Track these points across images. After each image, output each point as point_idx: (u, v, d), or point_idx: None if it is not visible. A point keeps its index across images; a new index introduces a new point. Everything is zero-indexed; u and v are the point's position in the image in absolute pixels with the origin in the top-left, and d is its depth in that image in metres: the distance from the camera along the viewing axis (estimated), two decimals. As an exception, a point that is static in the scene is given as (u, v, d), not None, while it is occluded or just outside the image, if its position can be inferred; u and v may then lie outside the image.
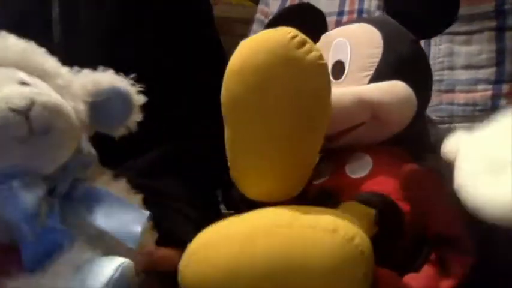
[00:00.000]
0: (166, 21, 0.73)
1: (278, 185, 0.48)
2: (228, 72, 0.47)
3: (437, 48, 0.75)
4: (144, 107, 0.55)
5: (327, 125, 0.47)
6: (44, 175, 0.47)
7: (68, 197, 0.49)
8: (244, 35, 0.89)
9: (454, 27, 0.73)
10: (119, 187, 0.53)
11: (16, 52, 0.50)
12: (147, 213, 0.49)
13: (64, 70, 0.53)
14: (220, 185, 0.78)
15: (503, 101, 0.72)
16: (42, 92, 0.47)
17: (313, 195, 0.53)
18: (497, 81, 0.72)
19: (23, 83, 0.47)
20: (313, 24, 0.60)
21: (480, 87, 0.73)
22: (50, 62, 0.52)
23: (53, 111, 0.46)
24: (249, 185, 0.49)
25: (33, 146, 0.45)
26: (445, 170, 0.47)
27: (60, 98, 0.48)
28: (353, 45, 0.54)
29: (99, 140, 0.55)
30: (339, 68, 0.54)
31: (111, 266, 0.43)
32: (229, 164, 0.49)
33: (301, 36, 0.44)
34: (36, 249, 0.45)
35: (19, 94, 0.45)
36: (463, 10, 0.73)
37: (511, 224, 0.40)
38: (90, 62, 0.68)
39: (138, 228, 0.47)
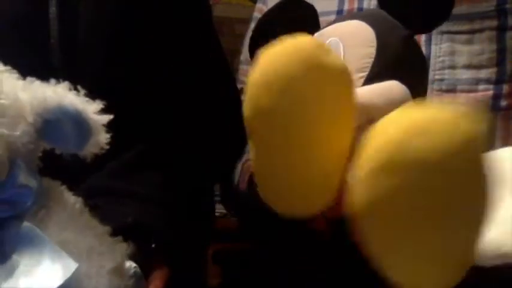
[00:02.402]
0: (166, 21, 0.73)
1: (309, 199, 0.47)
2: (254, 86, 0.45)
3: (438, 47, 0.74)
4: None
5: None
6: None
7: None
8: (244, 35, 0.89)
9: (455, 26, 0.73)
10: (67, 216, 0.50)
11: None
12: (73, 265, 0.44)
13: (7, 86, 0.47)
14: (215, 179, 0.78)
15: (503, 102, 0.71)
16: None
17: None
18: (498, 81, 0.71)
19: None
20: (303, 19, 0.60)
21: (481, 87, 0.72)
22: None
23: None
24: (281, 203, 0.48)
25: None
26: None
27: None
28: (346, 46, 0.53)
29: None
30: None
31: None
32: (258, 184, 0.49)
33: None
34: None
35: None
36: (464, 9, 0.72)
37: None
38: (88, 62, 0.69)
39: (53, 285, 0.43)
